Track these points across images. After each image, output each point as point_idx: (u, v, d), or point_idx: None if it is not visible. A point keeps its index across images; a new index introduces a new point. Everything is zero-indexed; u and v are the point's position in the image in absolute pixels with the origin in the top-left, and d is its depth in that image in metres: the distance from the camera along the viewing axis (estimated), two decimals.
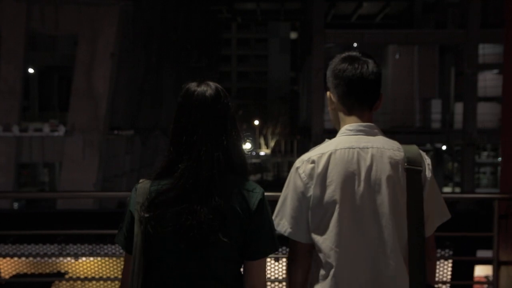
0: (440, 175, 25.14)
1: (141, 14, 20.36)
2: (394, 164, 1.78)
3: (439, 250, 5.33)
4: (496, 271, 3.67)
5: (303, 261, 1.84)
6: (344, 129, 1.87)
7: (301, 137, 33.66)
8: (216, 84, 1.79)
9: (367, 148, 1.80)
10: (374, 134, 1.84)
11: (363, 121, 1.86)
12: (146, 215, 1.66)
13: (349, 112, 1.87)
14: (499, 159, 31.69)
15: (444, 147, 26.26)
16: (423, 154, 1.85)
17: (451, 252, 5.65)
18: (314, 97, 21.47)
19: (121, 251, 5.51)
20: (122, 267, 4.91)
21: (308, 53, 25.07)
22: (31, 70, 26.13)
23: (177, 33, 26.92)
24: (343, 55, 1.89)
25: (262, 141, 57.51)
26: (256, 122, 56.14)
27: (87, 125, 16.95)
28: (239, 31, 67.69)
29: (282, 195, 1.86)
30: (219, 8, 36.51)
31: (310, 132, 22.17)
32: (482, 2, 21.13)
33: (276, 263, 6.90)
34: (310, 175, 1.79)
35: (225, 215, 1.65)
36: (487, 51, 22.99)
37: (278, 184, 38.30)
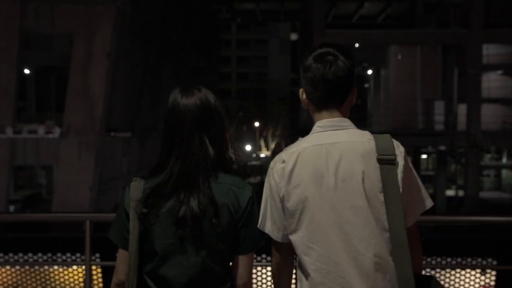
0: (443, 178, 24.91)
1: (139, 13, 20.21)
2: (365, 156, 1.77)
3: (479, 260, 4.99)
4: None
5: (287, 261, 1.88)
6: (315, 126, 1.88)
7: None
8: (202, 90, 1.87)
9: (336, 143, 1.79)
10: (344, 128, 1.84)
11: (333, 117, 1.85)
12: (145, 210, 1.76)
13: (318, 109, 1.88)
14: (503, 161, 31.66)
15: (445, 149, 25.99)
16: (396, 142, 1.82)
17: (494, 262, 5.15)
18: None
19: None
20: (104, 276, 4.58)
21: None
22: (27, 71, 25.95)
23: (176, 33, 26.84)
24: (315, 52, 1.88)
25: (262, 143, 57.45)
26: (256, 124, 56.08)
27: (83, 127, 16.69)
28: (239, 32, 67.77)
29: (263, 196, 1.89)
30: (218, 8, 36.46)
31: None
32: (485, 1, 20.93)
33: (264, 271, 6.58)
34: (282, 175, 1.81)
35: (216, 206, 1.76)
36: (491, 51, 22.82)
37: None
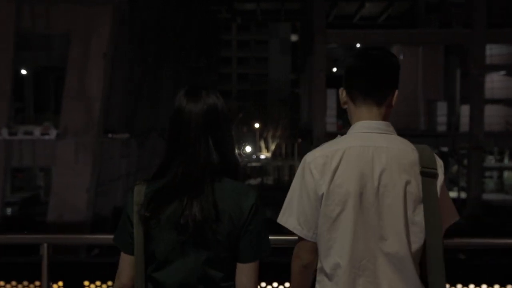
0: (445, 179, 24.76)
1: (137, 13, 20.12)
2: (408, 166, 1.74)
3: None
4: None
5: (309, 260, 1.83)
6: (358, 125, 1.82)
7: (302, 140, 33.53)
8: (210, 94, 1.83)
9: (383, 147, 1.76)
10: (389, 133, 1.81)
11: (373, 118, 1.81)
12: (147, 214, 1.74)
13: (357, 105, 1.83)
14: (505, 162, 31.51)
15: (446, 150, 25.88)
16: (436, 155, 1.81)
17: None
18: (315, 99, 21.32)
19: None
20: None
21: (309, 54, 24.96)
22: (25, 71, 25.82)
23: (175, 32, 26.75)
24: (358, 51, 1.87)
25: (262, 144, 57.49)
26: (257, 125, 56.13)
27: (80, 128, 16.50)
28: (239, 33, 67.87)
29: (291, 191, 1.82)
30: (218, 8, 36.47)
31: (311, 135, 22.09)
32: (488, 1, 20.82)
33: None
34: (322, 172, 1.75)
35: (219, 213, 1.73)
36: (494, 51, 22.71)
37: (278, 187, 37.97)
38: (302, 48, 35.64)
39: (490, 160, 31.13)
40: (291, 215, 1.80)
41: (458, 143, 21.82)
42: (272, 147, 57.05)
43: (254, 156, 55.03)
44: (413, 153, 1.77)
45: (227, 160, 1.81)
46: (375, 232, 1.72)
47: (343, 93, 1.89)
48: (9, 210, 22.86)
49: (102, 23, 16.41)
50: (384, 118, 1.83)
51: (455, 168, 28.81)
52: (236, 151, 1.87)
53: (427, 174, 1.75)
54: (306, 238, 1.80)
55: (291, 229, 1.80)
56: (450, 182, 27.23)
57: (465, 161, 23.38)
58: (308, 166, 1.78)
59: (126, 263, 1.83)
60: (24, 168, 25.46)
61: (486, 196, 24.82)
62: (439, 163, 1.80)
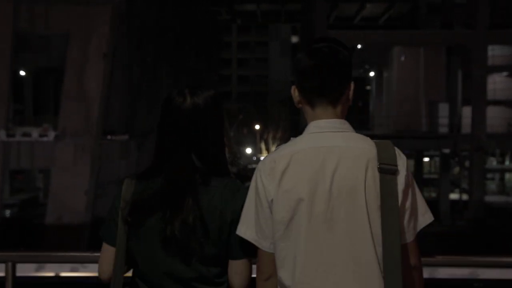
0: (447, 181, 24.66)
1: (136, 13, 20.03)
2: (364, 164, 1.62)
3: None
4: None
5: (270, 273, 1.69)
6: (310, 126, 1.73)
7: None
8: (199, 92, 1.77)
9: (334, 146, 1.65)
10: (343, 131, 1.69)
11: (329, 117, 1.70)
12: (129, 219, 1.73)
13: (312, 105, 1.73)
14: (507, 163, 31.45)
15: (448, 151, 25.79)
16: (398, 150, 1.69)
17: None
18: None
19: None
20: None
21: None
22: (25, 73, 25.75)
23: (174, 33, 26.69)
24: (309, 46, 1.74)
25: (263, 145, 57.47)
26: (257, 126, 56.11)
27: (79, 129, 16.45)
28: (239, 34, 67.92)
29: (247, 199, 1.71)
30: (218, 9, 36.44)
31: None
32: (490, 2, 20.73)
33: None
34: (271, 178, 1.65)
35: (207, 220, 1.69)
36: (496, 52, 22.62)
37: None
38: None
39: (492, 162, 31.05)
40: (249, 226, 1.69)
41: (460, 144, 21.68)
42: (273, 148, 56.81)
43: (255, 158, 55.01)
44: (371, 150, 1.64)
45: (217, 162, 1.78)
46: (331, 238, 1.60)
47: (295, 92, 1.77)
48: (8, 212, 22.79)
49: (101, 24, 16.36)
50: (341, 115, 1.73)
51: (456, 169, 28.71)
52: (229, 152, 1.83)
53: (386, 171, 1.62)
54: (264, 249, 1.68)
55: (250, 241, 1.69)
56: (452, 184, 27.13)
57: (467, 163, 23.28)
58: (258, 172, 1.69)
59: (109, 253, 1.80)
60: (23, 169, 25.39)
61: (488, 198, 24.71)
62: (401, 158, 1.67)
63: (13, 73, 17.63)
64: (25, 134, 15.94)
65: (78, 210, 16.36)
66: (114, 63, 17.55)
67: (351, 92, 1.74)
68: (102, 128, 17.30)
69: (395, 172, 1.63)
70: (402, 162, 1.66)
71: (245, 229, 1.70)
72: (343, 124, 1.71)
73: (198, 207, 1.69)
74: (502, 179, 30.88)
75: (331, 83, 1.69)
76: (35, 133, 15.88)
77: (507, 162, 31.46)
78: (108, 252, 1.81)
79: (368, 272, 1.59)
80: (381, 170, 1.62)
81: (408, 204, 1.66)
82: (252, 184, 1.71)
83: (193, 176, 1.72)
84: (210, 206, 1.71)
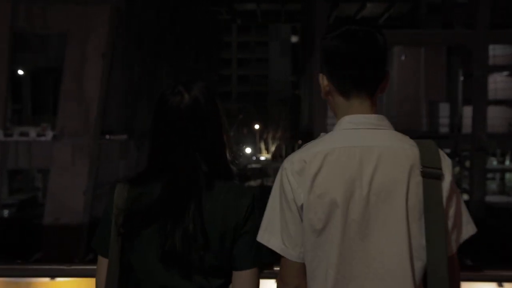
0: None
1: (136, 13, 19.98)
2: (406, 167, 1.45)
3: None
4: None
5: (296, 284, 1.52)
6: (344, 122, 1.53)
7: (303, 142, 33.41)
8: (194, 89, 1.62)
9: (373, 146, 1.46)
10: (382, 128, 1.51)
11: (365, 111, 1.52)
12: (122, 231, 1.59)
13: (346, 97, 1.53)
14: (507, 163, 31.39)
15: (448, 151, 25.77)
16: (442, 152, 1.52)
17: None
18: (316, 101, 21.22)
19: None
20: None
21: (310, 55, 24.83)
22: (23, 72, 25.73)
23: (174, 33, 26.67)
24: (340, 27, 1.53)
25: (262, 145, 57.54)
26: (257, 126, 56.21)
27: (77, 129, 16.36)
28: (239, 34, 67.95)
29: (270, 201, 1.54)
30: (218, 9, 36.45)
31: (312, 137, 21.74)
32: (492, 1, 20.68)
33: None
34: (301, 180, 1.47)
35: (208, 231, 1.54)
36: (497, 52, 22.57)
37: None
38: (302, 49, 35.58)
39: (492, 162, 31.03)
40: (273, 233, 1.51)
41: (460, 144, 21.64)
42: (272, 148, 57.07)
43: (254, 158, 55.05)
44: (413, 151, 1.48)
45: (219, 162, 1.63)
46: (365, 250, 1.44)
47: (324, 81, 1.59)
48: (6, 212, 22.76)
49: (100, 23, 16.30)
50: (375, 109, 1.56)
51: (457, 169, 28.67)
52: (230, 152, 1.70)
53: (430, 175, 1.46)
54: (291, 258, 1.51)
55: (275, 250, 1.52)
56: None
57: (467, 163, 23.23)
58: (285, 172, 1.51)
59: (104, 266, 1.65)
60: (21, 169, 25.38)
61: (488, 198, 24.64)
62: (446, 161, 1.52)
63: (11, 73, 17.60)
64: (23, 134, 15.87)
65: (77, 211, 16.27)
66: (114, 63, 17.49)
67: (387, 83, 1.57)
68: (100, 128, 17.24)
69: (439, 177, 1.47)
70: (446, 165, 1.51)
71: (269, 236, 1.52)
72: (382, 121, 1.53)
73: (200, 214, 1.54)
74: (502, 179, 30.87)
75: (373, 71, 1.52)
76: (33, 132, 15.82)
77: (507, 162, 31.45)
78: (102, 265, 1.67)
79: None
80: (424, 174, 1.46)
81: (451, 212, 1.49)
82: (276, 185, 1.53)
83: (196, 177, 1.57)
84: (212, 212, 1.56)
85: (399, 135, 1.51)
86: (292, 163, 1.50)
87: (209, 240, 1.54)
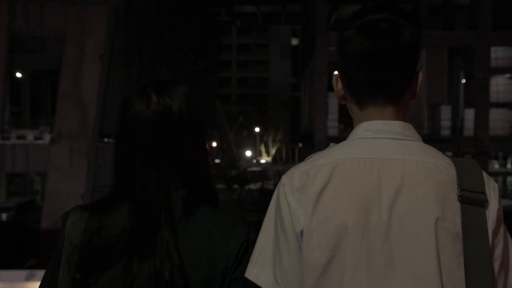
0: None
1: (134, 14, 19.89)
2: (439, 188, 1.12)
3: None
4: None
5: None
6: (360, 129, 1.22)
7: (303, 145, 33.36)
8: (170, 89, 1.30)
9: (396, 160, 1.14)
10: (407, 139, 1.18)
11: (386, 117, 1.20)
12: (78, 276, 1.24)
13: (362, 104, 1.23)
14: (508, 167, 31.26)
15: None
16: (487, 175, 1.19)
17: None
18: (316, 103, 21.09)
19: None
20: None
21: (310, 57, 24.74)
22: (21, 75, 25.61)
23: (173, 34, 26.57)
24: (361, 18, 1.21)
25: (262, 148, 57.44)
26: (257, 129, 56.10)
27: (75, 132, 16.28)
28: (239, 36, 67.92)
29: (263, 227, 1.20)
30: (218, 10, 36.35)
31: (312, 139, 21.82)
32: (493, 3, 20.59)
33: None
34: (302, 198, 1.14)
35: (188, 270, 1.20)
36: (499, 54, 22.47)
37: None
38: (303, 51, 35.49)
39: (494, 165, 30.89)
40: (264, 265, 1.18)
41: (462, 147, 21.50)
42: (273, 151, 56.97)
43: (254, 161, 54.93)
44: (448, 170, 1.17)
45: (199, 181, 1.31)
46: None
47: (338, 84, 1.29)
48: (4, 216, 22.57)
49: (97, 24, 16.21)
50: (402, 117, 1.25)
51: None
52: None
53: (470, 200, 1.14)
54: None
55: (263, 287, 1.19)
56: None
57: None
58: (282, 189, 1.19)
59: None
60: (19, 173, 25.24)
61: None
62: (492, 185, 1.19)
63: (9, 75, 17.51)
64: (20, 137, 15.75)
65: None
66: (112, 65, 17.40)
67: (418, 86, 1.25)
68: (98, 131, 17.13)
69: (483, 203, 1.15)
70: (492, 190, 1.18)
71: (259, 271, 1.19)
72: (407, 130, 1.21)
73: (176, 250, 1.21)
74: (504, 182, 30.76)
75: (396, 74, 1.20)
76: (30, 135, 15.70)
77: (509, 165, 31.33)
78: None
79: None
80: (463, 199, 1.14)
81: (498, 250, 1.16)
82: (272, 205, 1.21)
83: (167, 200, 1.24)
84: (193, 249, 1.23)
85: (431, 150, 1.21)
86: (291, 178, 1.19)
87: (190, 284, 1.21)
